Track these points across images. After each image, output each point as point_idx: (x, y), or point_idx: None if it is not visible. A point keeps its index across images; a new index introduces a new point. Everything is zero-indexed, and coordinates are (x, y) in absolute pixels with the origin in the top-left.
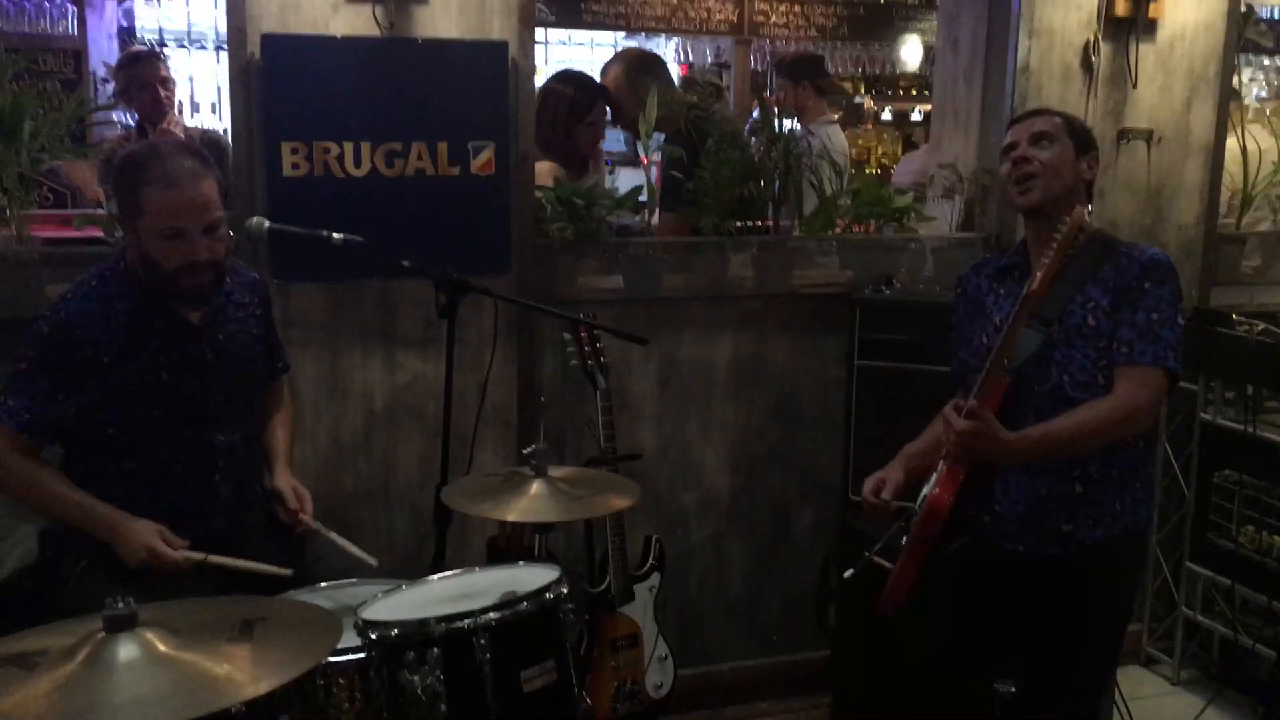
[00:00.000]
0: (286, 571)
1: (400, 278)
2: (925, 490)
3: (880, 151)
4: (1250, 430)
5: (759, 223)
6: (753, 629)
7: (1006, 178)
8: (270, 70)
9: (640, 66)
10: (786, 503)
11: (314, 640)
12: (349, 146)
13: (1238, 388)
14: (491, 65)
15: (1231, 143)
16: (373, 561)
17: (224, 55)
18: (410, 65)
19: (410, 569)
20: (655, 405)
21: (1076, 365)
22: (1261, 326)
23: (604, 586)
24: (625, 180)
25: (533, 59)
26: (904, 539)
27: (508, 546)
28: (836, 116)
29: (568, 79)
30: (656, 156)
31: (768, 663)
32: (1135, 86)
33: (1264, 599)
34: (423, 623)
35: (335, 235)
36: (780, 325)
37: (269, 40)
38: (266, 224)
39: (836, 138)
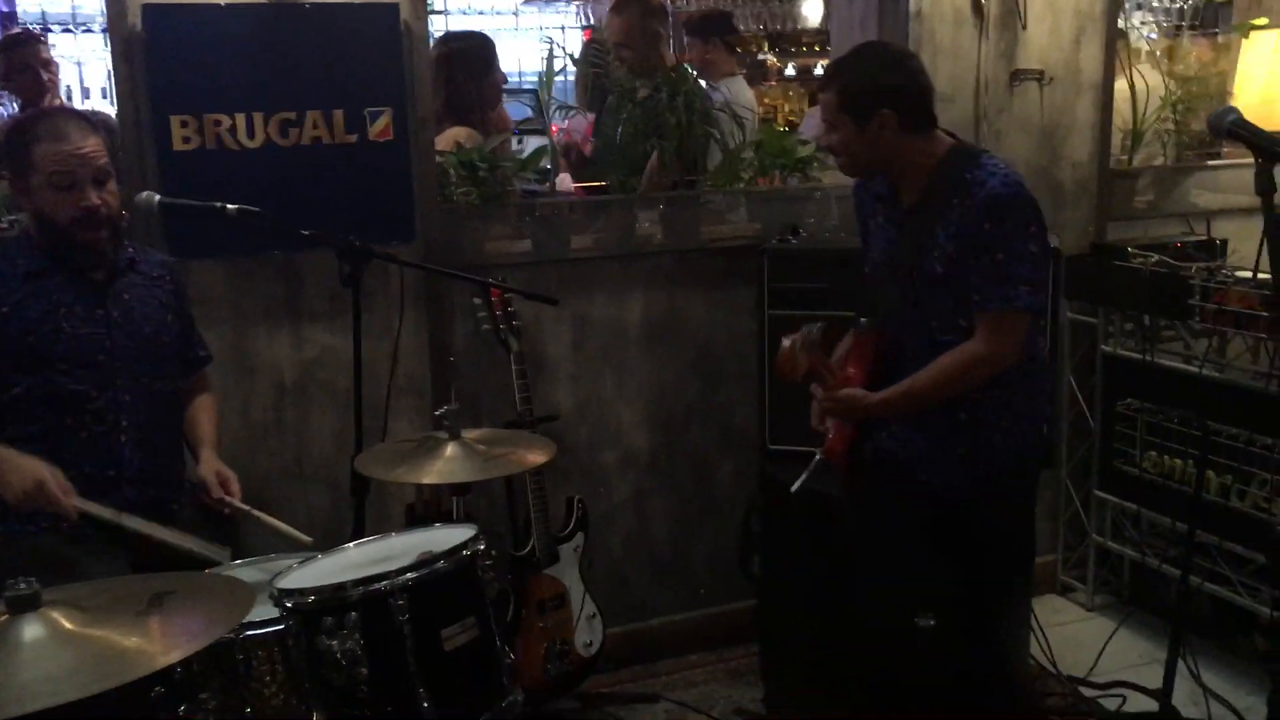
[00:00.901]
0: (221, 557)
1: (302, 249)
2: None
3: (787, 109)
4: (1149, 359)
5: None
6: (680, 583)
7: None
8: (154, 42)
9: (652, 12)
10: (707, 456)
11: (226, 609)
12: (241, 118)
13: (1135, 318)
14: (383, 29)
15: (1121, 82)
16: (307, 539)
17: None
18: (300, 31)
19: (330, 544)
20: (571, 366)
21: (937, 312)
22: (1155, 258)
23: (528, 549)
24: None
25: (426, 21)
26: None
27: (425, 512)
28: (742, 72)
29: (458, 36)
30: (564, 123)
31: (696, 615)
32: (1025, 28)
33: (1168, 521)
34: (339, 587)
35: (229, 206)
36: (692, 280)
37: (150, 10)
38: (156, 198)
39: (742, 92)
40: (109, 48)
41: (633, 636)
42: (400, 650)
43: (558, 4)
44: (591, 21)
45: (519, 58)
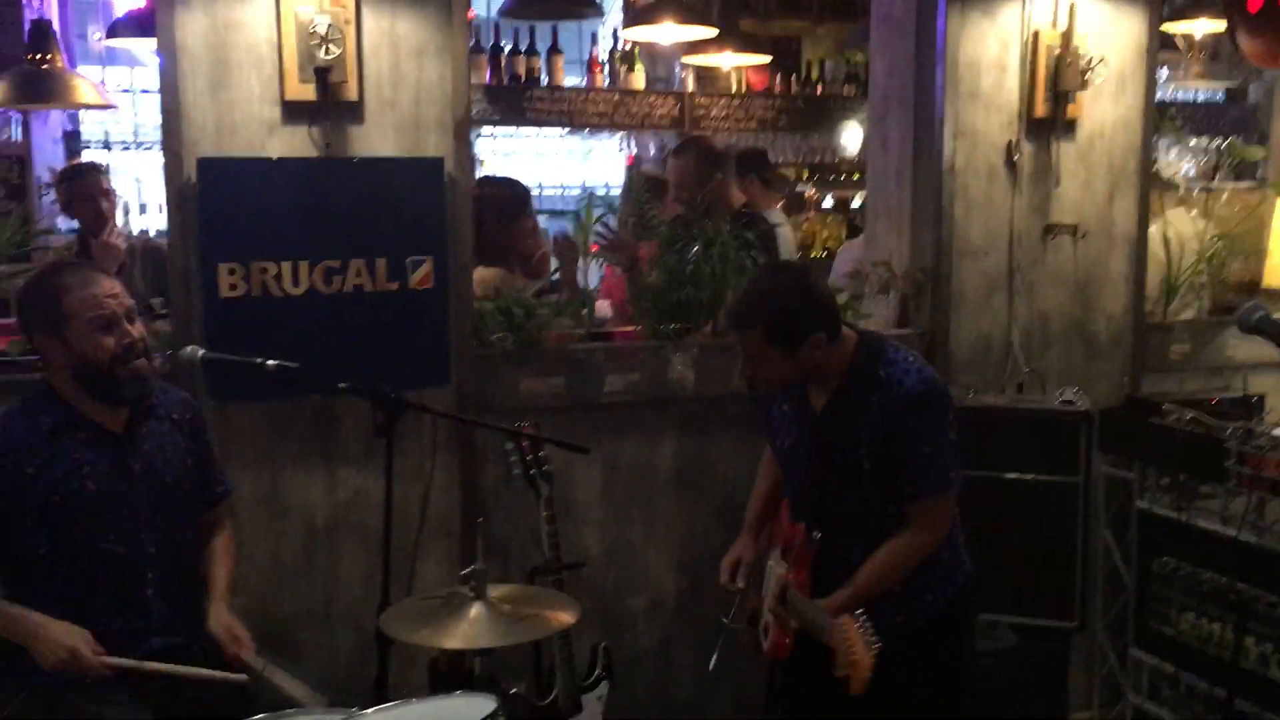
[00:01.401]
0: (240, 677)
1: (338, 394)
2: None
3: (825, 235)
4: (1185, 518)
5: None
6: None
7: None
8: (206, 193)
9: (710, 156)
10: (734, 602)
11: None
12: (287, 266)
13: (1171, 476)
14: (428, 181)
15: (1155, 231)
16: (318, 704)
17: None
18: (347, 184)
19: (355, 689)
20: (599, 510)
21: (865, 504)
22: (1191, 415)
23: (551, 699)
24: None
25: (470, 173)
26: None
27: (449, 669)
28: (780, 205)
29: (496, 181)
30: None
31: None
32: (1058, 184)
33: (1206, 685)
34: None
35: (269, 363)
36: (722, 425)
37: (205, 164)
38: (200, 353)
39: (781, 231)
40: (165, 196)
41: None
42: None
43: (601, 135)
44: (634, 149)
45: (562, 177)
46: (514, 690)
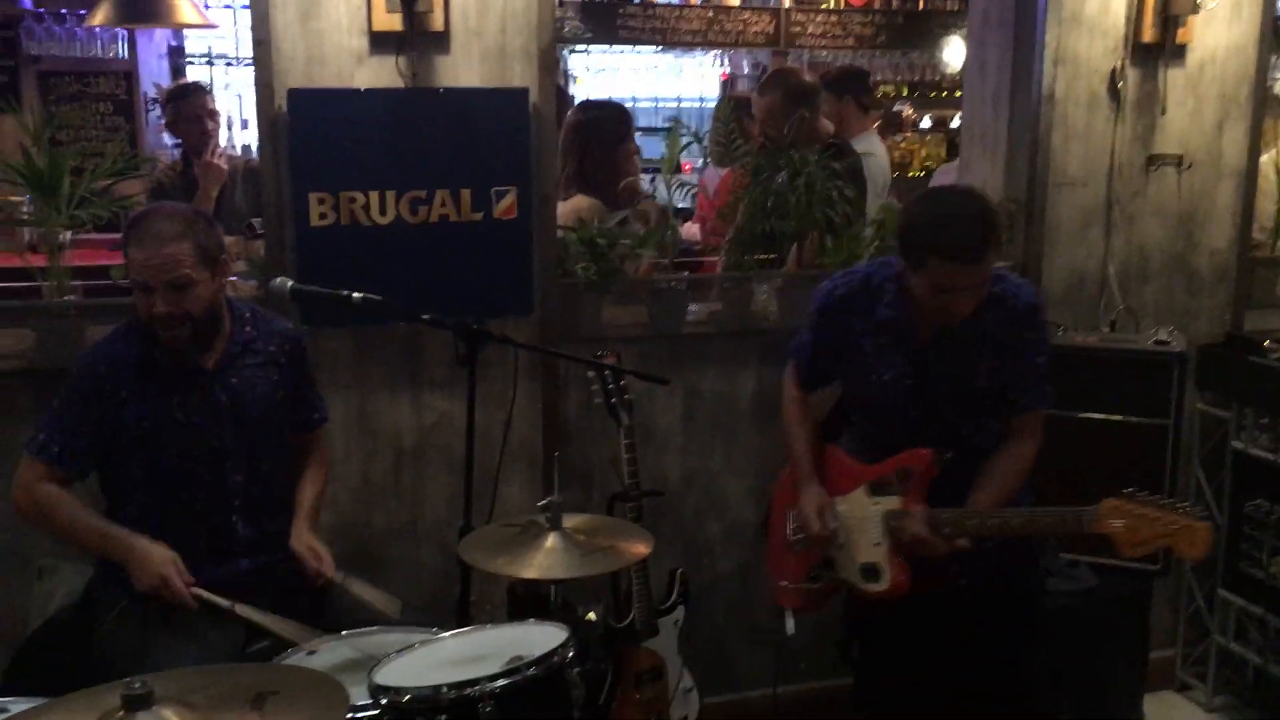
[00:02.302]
0: (321, 634)
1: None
2: (866, 565)
3: (924, 154)
4: None
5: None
6: (780, 656)
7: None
8: (296, 124)
9: (796, 93)
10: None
11: (323, 712)
12: (375, 195)
13: (1269, 416)
14: (513, 112)
15: (1267, 160)
16: (394, 610)
17: None
18: (433, 114)
19: (438, 606)
20: (680, 438)
21: (973, 421)
22: None
23: (628, 621)
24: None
25: (554, 104)
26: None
27: (525, 594)
28: (875, 124)
29: (594, 106)
30: (697, 162)
31: (796, 690)
32: (1164, 112)
33: None
34: (435, 689)
35: (355, 295)
36: None
37: (295, 95)
38: (289, 284)
39: (877, 150)
40: (257, 128)
41: (729, 707)
42: None
43: (695, 52)
44: (728, 68)
45: (656, 90)
46: (589, 615)
